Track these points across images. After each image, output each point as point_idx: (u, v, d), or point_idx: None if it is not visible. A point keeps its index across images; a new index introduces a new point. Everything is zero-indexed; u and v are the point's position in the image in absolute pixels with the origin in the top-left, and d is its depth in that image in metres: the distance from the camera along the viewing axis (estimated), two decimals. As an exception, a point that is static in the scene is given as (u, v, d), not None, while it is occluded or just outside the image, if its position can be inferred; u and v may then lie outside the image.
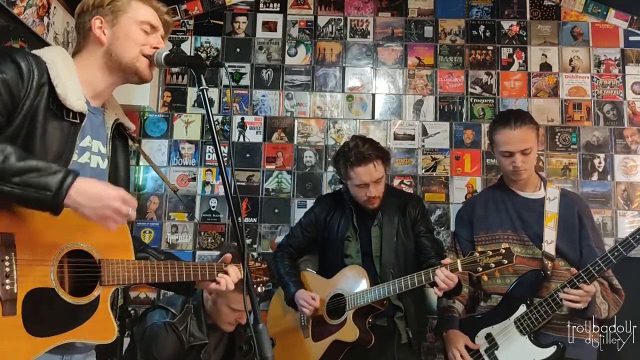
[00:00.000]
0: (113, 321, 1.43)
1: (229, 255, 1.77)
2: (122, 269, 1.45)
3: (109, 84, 1.55)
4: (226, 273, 1.74)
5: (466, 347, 2.36)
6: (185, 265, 1.64)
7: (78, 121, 1.43)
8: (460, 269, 2.18)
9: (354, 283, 2.50)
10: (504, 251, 2.14)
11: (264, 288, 1.99)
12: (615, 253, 2.12)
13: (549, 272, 2.30)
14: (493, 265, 2.13)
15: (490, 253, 2.15)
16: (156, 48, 1.54)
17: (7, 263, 1.23)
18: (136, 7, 1.54)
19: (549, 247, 2.32)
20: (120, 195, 1.31)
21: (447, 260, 2.21)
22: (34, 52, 1.43)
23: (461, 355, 2.34)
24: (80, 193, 1.26)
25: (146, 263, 1.53)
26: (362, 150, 2.49)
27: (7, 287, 1.22)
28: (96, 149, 1.52)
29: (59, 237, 1.33)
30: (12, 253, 1.24)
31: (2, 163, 1.20)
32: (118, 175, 1.60)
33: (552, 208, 2.37)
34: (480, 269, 2.15)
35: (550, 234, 2.33)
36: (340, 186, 2.79)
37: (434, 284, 2.24)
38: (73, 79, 1.44)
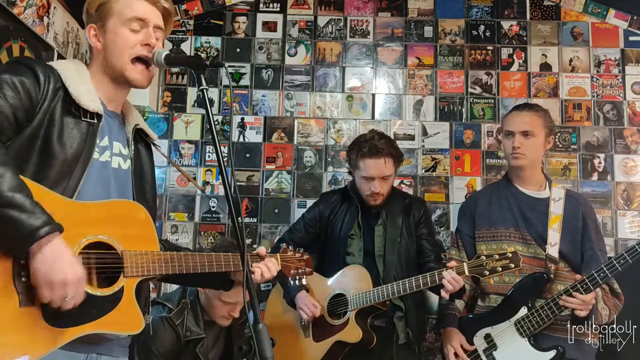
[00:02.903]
0: (139, 312, 1.42)
1: (262, 248, 1.72)
2: (145, 260, 1.44)
3: (116, 89, 1.56)
4: (260, 262, 1.67)
5: (462, 347, 2.36)
6: (215, 255, 1.59)
7: (95, 121, 1.45)
8: (466, 273, 2.18)
9: (356, 283, 2.50)
10: (510, 255, 2.14)
11: (305, 280, 1.84)
12: (622, 261, 2.11)
13: (552, 275, 2.29)
14: (500, 269, 2.13)
15: (497, 257, 2.15)
16: (147, 45, 1.51)
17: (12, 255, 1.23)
18: (124, 4, 1.51)
19: (553, 250, 2.30)
20: (77, 280, 1.24)
21: (453, 263, 2.21)
22: (49, 64, 1.47)
23: (455, 353, 2.34)
24: (45, 253, 1.21)
25: (172, 254, 1.51)
26: (376, 143, 2.51)
27: (24, 278, 1.22)
28: (117, 150, 1.53)
29: (78, 230, 1.33)
30: None
31: None
32: (144, 180, 1.60)
33: (556, 209, 2.36)
34: (487, 273, 2.15)
35: (554, 236, 2.32)
36: (342, 185, 2.78)
37: (436, 287, 2.24)
38: (86, 83, 1.47)
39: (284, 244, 1.90)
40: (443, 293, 2.21)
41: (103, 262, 1.38)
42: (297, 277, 1.82)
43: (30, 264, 1.22)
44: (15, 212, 1.19)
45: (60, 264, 1.22)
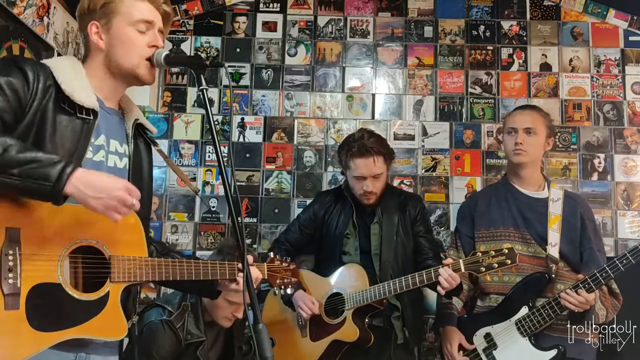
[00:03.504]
0: (123, 318, 1.42)
1: (250, 257, 1.73)
2: (133, 265, 1.43)
3: (115, 87, 1.56)
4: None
5: (462, 346, 2.36)
6: (202, 263, 1.60)
7: (91, 118, 1.44)
8: (462, 269, 2.18)
9: (353, 282, 2.50)
10: (506, 251, 2.14)
11: (292, 290, 1.91)
12: (624, 261, 2.12)
13: (553, 275, 2.29)
14: (496, 265, 2.13)
15: (493, 253, 2.15)
16: (154, 47, 1.53)
17: (10, 257, 1.23)
18: (129, 4, 1.52)
19: (553, 250, 2.31)
20: (124, 185, 1.32)
21: (449, 260, 2.22)
22: (42, 61, 1.46)
23: (454, 352, 2.34)
24: (83, 183, 1.27)
25: (159, 260, 1.50)
26: (365, 142, 2.50)
27: (10, 281, 1.22)
28: (113, 148, 1.52)
29: (68, 233, 1.33)
30: (17, 247, 1.25)
31: (1, 155, 1.21)
32: (142, 177, 1.60)
33: (555, 209, 2.37)
34: (483, 269, 2.15)
35: (554, 237, 2.32)
36: (341, 183, 2.78)
37: (434, 285, 2.24)
38: (81, 80, 1.46)
39: (272, 253, 1.92)
40: (439, 290, 2.21)
41: (90, 266, 1.37)
42: (282, 287, 1.86)
43: (84, 204, 1.28)
44: (33, 166, 1.23)
45: (106, 185, 1.29)
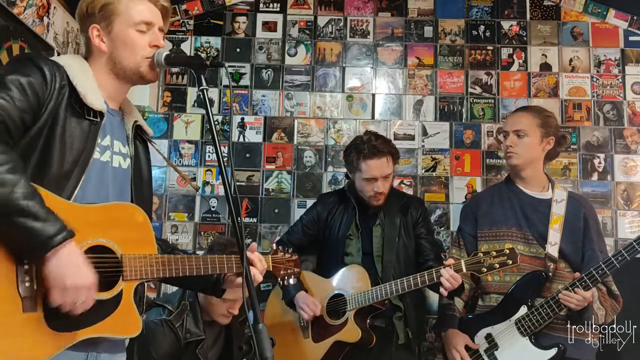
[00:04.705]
0: (137, 315, 1.43)
1: (253, 245, 1.74)
2: (144, 263, 1.44)
3: (119, 87, 1.57)
4: (250, 264, 1.66)
5: (466, 347, 2.36)
6: (210, 258, 1.60)
7: (98, 119, 1.45)
8: (464, 270, 2.18)
9: (355, 283, 2.50)
10: (508, 251, 2.14)
11: (295, 280, 1.93)
12: (619, 257, 2.12)
13: (550, 274, 2.29)
14: (497, 265, 2.13)
15: (495, 253, 2.15)
16: (156, 46, 1.54)
17: (25, 260, 1.24)
18: (127, 6, 1.53)
19: (552, 249, 2.31)
20: (90, 285, 1.28)
21: (450, 261, 2.22)
22: (53, 59, 1.47)
23: (461, 357, 2.33)
24: (60, 258, 1.24)
25: (169, 257, 1.52)
26: (375, 144, 2.52)
27: (27, 284, 1.23)
28: (117, 148, 1.54)
29: (79, 234, 1.33)
30: None
31: (8, 195, 1.20)
32: (142, 178, 1.61)
33: (558, 210, 2.37)
34: (485, 270, 2.15)
35: (554, 236, 2.32)
36: (342, 186, 2.78)
37: (435, 286, 2.24)
38: (90, 81, 1.48)
39: (274, 244, 1.93)
40: (442, 290, 2.21)
41: (103, 265, 1.38)
42: (286, 277, 1.87)
43: (43, 268, 1.24)
44: (30, 220, 1.21)
45: (73, 269, 1.25)
